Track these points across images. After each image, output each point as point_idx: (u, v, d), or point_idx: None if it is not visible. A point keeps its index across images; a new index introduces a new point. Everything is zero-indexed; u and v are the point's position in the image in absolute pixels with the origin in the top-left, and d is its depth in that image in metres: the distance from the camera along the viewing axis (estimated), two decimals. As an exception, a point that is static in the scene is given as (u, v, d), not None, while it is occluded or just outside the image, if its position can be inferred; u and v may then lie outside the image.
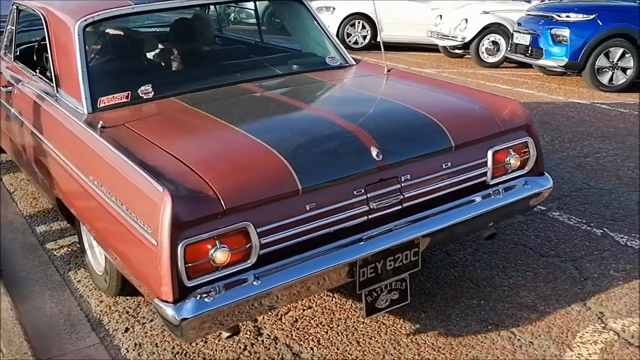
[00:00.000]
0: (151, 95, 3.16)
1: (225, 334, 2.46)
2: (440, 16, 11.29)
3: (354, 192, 2.53)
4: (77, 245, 3.75)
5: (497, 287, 3.34)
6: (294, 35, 4.33)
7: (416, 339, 2.89)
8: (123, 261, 2.54)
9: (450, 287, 3.33)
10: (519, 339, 2.88)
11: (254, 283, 2.28)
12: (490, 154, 2.94)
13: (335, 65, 3.80)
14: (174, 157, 2.44)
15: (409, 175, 2.68)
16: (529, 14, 9.71)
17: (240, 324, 2.57)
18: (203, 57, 3.94)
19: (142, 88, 3.16)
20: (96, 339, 2.91)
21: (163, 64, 3.71)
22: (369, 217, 2.59)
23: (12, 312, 2.96)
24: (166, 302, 2.17)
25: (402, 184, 2.66)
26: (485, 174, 2.96)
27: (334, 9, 12.05)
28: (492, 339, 2.88)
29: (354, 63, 3.88)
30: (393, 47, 12.25)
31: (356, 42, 12.27)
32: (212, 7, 4.49)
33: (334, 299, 3.21)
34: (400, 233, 2.65)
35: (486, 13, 10.72)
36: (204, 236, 2.18)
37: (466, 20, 10.68)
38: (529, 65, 10.10)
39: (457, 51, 11.40)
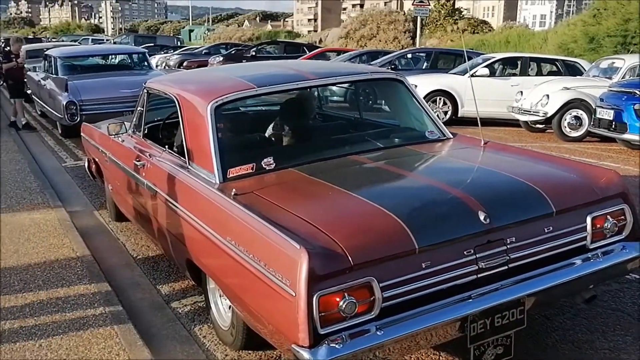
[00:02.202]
0: (272, 166, 3.47)
1: None
2: (521, 92, 11.42)
3: (464, 252, 2.72)
4: (200, 304, 4.03)
5: (598, 349, 3.38)
6: (393, 111, 4.62)
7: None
8: (256, 313, 2.79)
9: (553, 349, 3.39)
10: None
11: (377, 333, 2.47)
12: (589, 219, 3.07)
13: (434, 139, 4.04)
14: (302, 220, 2.71)
15: (514, 238, 2.84)
16: (612, 90, 9.76)
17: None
18: (313, 132, 4.27)
19: (265, 160, 3.47)
20: (227, 388, 3.12)
21: (280, 138, 4.05)
22: (478, 275, 2.75)
23: (153, 363, 3.24)
24: (302, 347, 2.39)
25: (508, 246, 2.82)
26: (584, 238, 3.08)
27: (416, 86, 12.45)
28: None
29: (452, 136, 4.11)
30: (474, 122, 12.41)
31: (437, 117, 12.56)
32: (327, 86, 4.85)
33: (440, 357, 3.31)
34: (508, 292, 2.79)
35: (567, 89, 10.76)
36: (334, 289, 2.41)
37: (547, 96, 10.73)
38: (612, 140, 10.02)
39: (538, 126, 11.43)
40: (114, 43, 34.03)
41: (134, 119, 4.90)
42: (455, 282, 2.71)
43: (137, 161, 4.42)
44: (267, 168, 3.47)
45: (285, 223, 2.68)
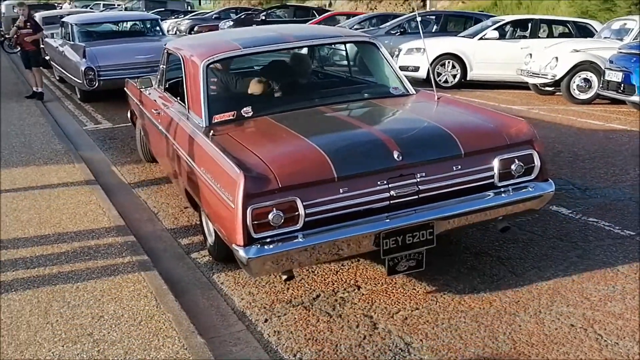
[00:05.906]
0: (250, 114, 4.41)
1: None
2: (530, 55, 11.79)
3: (378, 182, 3.57)
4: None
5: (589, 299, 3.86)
6: (367, 70, 5.51)
7: (512, 336, 3.48)
8: (219, 224, 3.78)
9: (545, 297, 3.90)
10: (605, 340, 3.43)
11: (301, 239, 3.39)
12: (496, 161, 3.83)
13: (397, 94, 4.90)
14: (253, 154, 3.64)
15: (424, 173, 3.66)
16: (621, 52, 10.11)
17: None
18: (291, 87, 5.15)
19: (244, 109, 4.42)
20: (242, 327, 3.70)
21: (262, 92, 4.94)
22: (391, 202, 3.61)
23: (176, 303, 3.81)
24: (239, 246, 3.37)
25: (418, 179, 3.65)
26: (492, 177, 3.84)
27: (424, 50, 12.92)
28: (581, 339, 3.44)
29: (414, 92, 4.94)
30: (483, 85, 13.01)
31: (446, 81, 13.05)
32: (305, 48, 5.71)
33: (438, 302, 3.87)
34: (418, 216, 3.64)
35: (577, 51, 11.08)
36: (265, 204, 3.34)
37: (557, 58, 11.09)
38: (621, 102, 10.35)
39: (547, 88, 11.83)
40: (125, 9, 34.19)
41: (158, 75, 6.02)
42: (371, 206, 3.57)
43: (155, 110, 5.53)
44: (246, 115, 4.41)
45: (239, 156, 3.61)
